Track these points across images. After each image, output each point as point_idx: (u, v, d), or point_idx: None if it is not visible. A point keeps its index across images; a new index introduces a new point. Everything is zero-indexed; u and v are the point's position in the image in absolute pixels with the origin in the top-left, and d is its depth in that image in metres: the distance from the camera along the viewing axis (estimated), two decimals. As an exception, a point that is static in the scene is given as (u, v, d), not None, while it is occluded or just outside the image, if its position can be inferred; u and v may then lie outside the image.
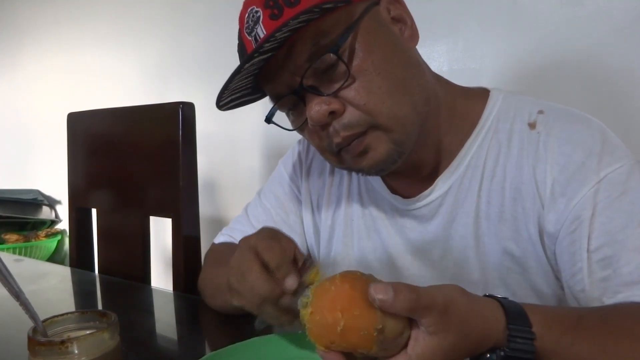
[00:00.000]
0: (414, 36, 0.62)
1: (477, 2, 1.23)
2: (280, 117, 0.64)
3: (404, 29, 0.61)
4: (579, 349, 0.45)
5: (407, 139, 0.59)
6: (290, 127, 0.64)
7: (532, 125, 0.62)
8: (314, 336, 0.42)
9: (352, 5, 0.57)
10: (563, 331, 0.46)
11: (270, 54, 0.54)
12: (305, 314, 0.43)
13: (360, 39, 0.56)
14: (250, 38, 0.59)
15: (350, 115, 0.56)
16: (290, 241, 0.54)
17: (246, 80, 0.59)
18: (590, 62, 1.10)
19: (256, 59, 0.54)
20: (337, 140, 0.58)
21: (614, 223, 0.54)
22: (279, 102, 0.61)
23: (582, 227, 0.55)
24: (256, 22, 0.57)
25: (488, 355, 0.44)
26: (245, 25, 0.59)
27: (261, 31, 0.57)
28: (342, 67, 0.55)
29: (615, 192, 0.55)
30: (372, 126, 0.57)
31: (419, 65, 0.62)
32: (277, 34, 0.51)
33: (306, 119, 0.59)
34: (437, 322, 0.41)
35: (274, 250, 0.50)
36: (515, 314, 0.45)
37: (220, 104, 0.61)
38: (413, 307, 0.39)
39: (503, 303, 0.46)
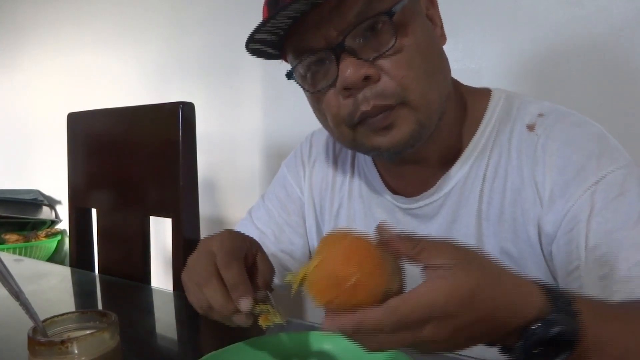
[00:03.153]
0: (443, 37, 0.64)
1: (477, 2, 1.23)
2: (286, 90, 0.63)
3: (435, 29, 0.63)
4: (614, 328, 0.43)
5: (429, 123, 0.59)
6: (308, 89, 0.61)
7: (530, 128, 0.62)
8: (316, 289, 0.39)
9: None
10: (597, 305, 0.45)
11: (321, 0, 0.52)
12: (310, 265, 0.39)
13: (410, 16, 0.57)
14: None
15: (385, 84, 0.55)
16: (251, 252, 0.56)
17: (284, 22, 0.55)
18: (590, 62, 1.10)
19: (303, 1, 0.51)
20: (365, 108, 0.56)
21: (612, 223, 0.54)
22: (308, 57, 0.58)
23: (580, 226, 0.55)
24: None
25: (537, 325, 0.39)
26: None
27: None
28: (388, 34, 0.55)
29: (613, 192, 0.55)
30: (403, 102, 0.56)
31: (447, 62, 0.63)
32: None
33: (331, 83, 0.57)
34: (453, 257, 0.38)
35: (232, 269, 0.52)
36: (543, 281, 0.42)
37: (253, 40, 0.58)
38: (417, 249, 0.39)
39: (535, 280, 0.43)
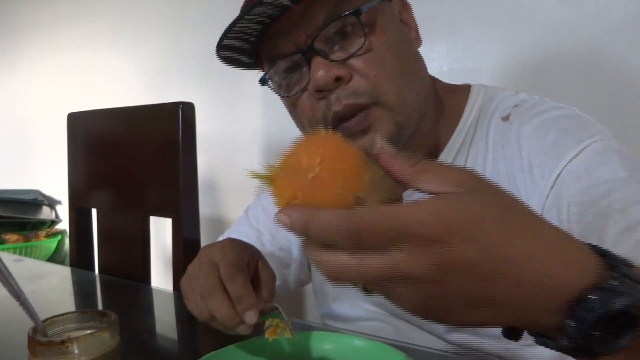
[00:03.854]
0: (418, 40, 0.63)
1: (477, 2, 1.22)
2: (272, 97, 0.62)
3: (411, 32, 0.62)
4: None
5: (408, 123, 0.58)
6: (283, 94, 0.61)
7: (505, 119, 0.62)
8: (278, 188, 0.32)
9: None
10: None
11: (288, 4, 0.52)
12: (277, 162, 0.34)
13: (379, 17, 0.56)
14: None
15: (357, 83, 0.55)
16: (253, 261, 0.56)
17: (254, 26, 0.56)
18: (590, 62, 1.10)
19: (269, 3, 0.51)
20: (336, 108, 0.55)
21: (595, 192, 0.52)
22: (278, 64, 0.58)
23: (562, 202, 0.54)
24: None
25: (593, 295, 0.28)
26: None
27: None
28: (358, 34, 0.54)
29: (594, 164, 0.54)
30: (377, 102, 0.55)
31: (423, 63, 0.63)
32: None
33: (304, 86, 0.57)
34: (464, 184, 0.29)
35: (237, 282, 0.52)
36: (613, 253, 0.31)
37: (222, 44, 0.58)
38: (418, 167, 0.31)
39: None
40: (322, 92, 0.55)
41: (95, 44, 2.27)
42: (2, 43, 2.79)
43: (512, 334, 0.33)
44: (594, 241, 0.35)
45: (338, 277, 0.29)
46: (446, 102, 0.66)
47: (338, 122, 0.56)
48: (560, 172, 0.55)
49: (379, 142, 0.33)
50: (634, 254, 0.45)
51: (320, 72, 0.54)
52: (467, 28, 1.24)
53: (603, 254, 0.31)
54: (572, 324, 0.29)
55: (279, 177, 0.33)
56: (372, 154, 0.32)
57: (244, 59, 0.62)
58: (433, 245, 0.26)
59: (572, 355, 0.30)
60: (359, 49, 0.54)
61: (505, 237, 0.28)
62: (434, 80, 0.68)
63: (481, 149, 0.63)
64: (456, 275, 0.27)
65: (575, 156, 0.55)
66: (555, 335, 0.30)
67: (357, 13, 0.54)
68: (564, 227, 0.50)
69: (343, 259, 0.28)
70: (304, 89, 0.57)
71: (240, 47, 0.59)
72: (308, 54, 0.55)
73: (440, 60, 1.28)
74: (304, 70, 0.57)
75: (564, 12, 1.12)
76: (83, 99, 2.32)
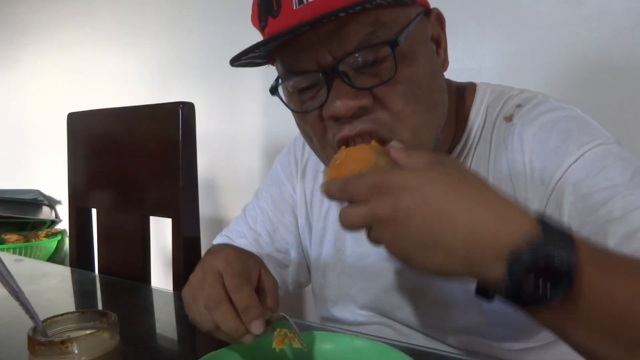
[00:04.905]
0: (445, 62, 0.60)
1: (477, 2, 1.23)
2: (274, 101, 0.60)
3: (439, 52, 0.59)
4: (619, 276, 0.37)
5: None
6: (294, 108, 0.59)
7: (508, 119, 0.61)
8: (327, 173, 0.50)
9: (410, 6, 0.54)
10: (607, 256, 0.39)
11: (307, 28, 0.49)
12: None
13: (412, 44, 0.53)
14: None
15: (378, 113, 0.52)
16: (256, 271, 0.55)
17: (270, 45, 0.53)
18: (590, 62, 1.10)
19: (304, 29, 0.48)
20: (349, 133, 0.53)
21: (595, 199, 0.52)
22: (297, 77, 0.55)
23: (563, 207, 0.54)
24: None
25: (524, 248, 0.34)
26: None
27: None
28: (389, 64, 0.51)
29: (594, 169, 0.53)
30: (395, 137, 0.53)
31: (446, 93, 0.60)
32: (341, 14, 0.47)
33: (317, 106, 0.55)
34: (422, 161, 0.43)
35: (242, 292, 0.51)
36: (553, 220, 0.37)
37: (237, 63, 0.56)
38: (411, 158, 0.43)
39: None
40: (337, 120, 0.53)
41: (95, 44, 2.27)
42: (2, 42, 2.79)
43: (483, 294, 0.40)
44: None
45: (345, 221, 0.42)
46: (456, 105, 0.66)
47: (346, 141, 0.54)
48: (561, 177, 0.55)
49: (394, 143, 0.47)
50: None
51: (341, 101, 0.51)
52: (467, 28, 1.24)
53: (543, 219, 0.36)
54: (506, 274, 0.34)
55: (329, 167, 0.50)
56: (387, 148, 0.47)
57: (257, 60, 0.59)
58: (392, 194, 0.38)
59: (516, 306, 0.36)
60: (388, 80, 0.51)
61: (446, 191, 0.37)
62: (448, 85, 0.66)
63: (485, 150, 0.62)
64: (408, 218, 0.37)
65: (576, 161, 0.54)
66: (499, 287, 0.36)
67: (394, 44, 0.50)
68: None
69: (345, 209, 0.42)
70: (319, 108, 0.55)
71: (257, 55, 0.56)
72: (330, 75, 0.52)
73: (440, 60, 1.27)
74: (321, 90, 0.54)
75: (564, 12, 1.12)
76: (83, 98, 2.32)
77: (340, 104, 0.51)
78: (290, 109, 0.59)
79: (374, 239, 0.41)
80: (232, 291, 0.51)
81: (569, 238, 0.35)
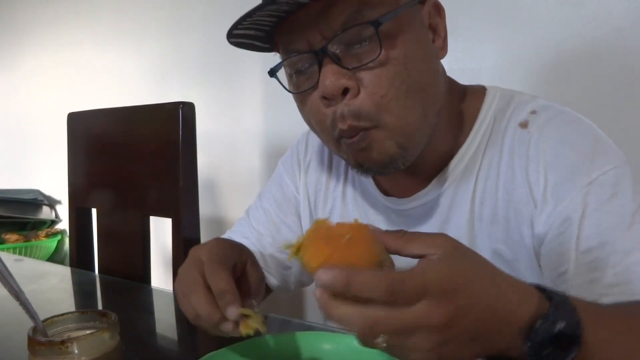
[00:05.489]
0: (444, 49, 0.61)
1: (477, 2, 1.23)
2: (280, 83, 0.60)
3: (437, 40, 0.60)
4: (621, 339, 0.42)
5: (411, 144, 0.57)
6: (292, 90, 0.60)
7: (523, 125, 0.61)
8: (312, 252, 0.38)
9: None
10: (598, 311, 0.44)
11: (306, 1, 0.50)
12: (305, 234, 0.40)
13: (401, 26, 0.54)
14: None
15: (362, 101, 0.53)
16: (241, 261, 0.55)
17: (268, 19, 0.54)
18: (590, 62, 1.10)
19: (284, 2, 0.49)
20: (342, 126, 0.55)
21: (604, 225, 0.53)
22: (291, 58, 0.57)
23: (572, 228, 0.55)
24: None
25: (539, 322, 0.37)
26: None
27: None
28: (374, 45, 0.52)
29: (606, 194, 0.54)
30: (377, 125, 0.55)
31: (441, 77, 0.60)
32: None
33: (312, 86, 0.56)
34: (446, 246, 0.38)
35: (218, 277, 0.51)
36: (543, 285, 0.41)
37: (233, 33, 0.56)
38: (405, 238, 0.39)
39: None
40: (328, 100, 0.54)
41: (95, 44, 2.27)
42: (2, 42, 2.79)
43: None
44: (598, 273, 0.51)
45: (370, 327, 0.34)
46: (459, 106, 0.66)
47: (341, 136, 0.56)
48: (573, 199, 0.55)
49: (370, 226, 0.40)
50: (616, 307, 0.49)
51: (329, 79, 0.52)
52: (467, 28, 1.24)
53: (543, 289, 0.40)
54: (528, 344, 0.37)
55: (310, 244, 0.39)
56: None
57: (258, 43, 0.60)
58: (445, 299, 0.34)
59: None
60: (372, 60, 0.52)
61: (486, 289, 0.37)
62: (451, 84, 0.66)
63: (496, 154, 0.62)
64: (462, 319, 0.35)
65: (590, 183, 0.55)
66: (521, 357, 0.38)
67: (376, 24, 0.51)
68: (571, 252, 0.54)
69: (376, 312, 0.34)
70: (314, 88, 0.56)
71: (254, 35, 0.57)
72: (320, 55, 0.53)
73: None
74: (315, 69, 0.55)
75: (564, 12, 1.12)
76: (83, 98, 2.32)
77: (329, 82, 0.52)
78: (288, 91, 0.60)
79: (401, 347, 0.36)
80: (209, 276, 0.52)
81: (569, 303, 0.39)
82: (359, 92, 0.54)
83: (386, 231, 0.41)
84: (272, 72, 0.60)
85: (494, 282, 0.38)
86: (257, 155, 1.75)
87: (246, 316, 0.50)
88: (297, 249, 0.40)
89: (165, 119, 1.04)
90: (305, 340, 0.57)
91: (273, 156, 1.70)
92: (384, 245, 0.40)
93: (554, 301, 0.39)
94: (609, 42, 1.08)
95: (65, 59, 2.43)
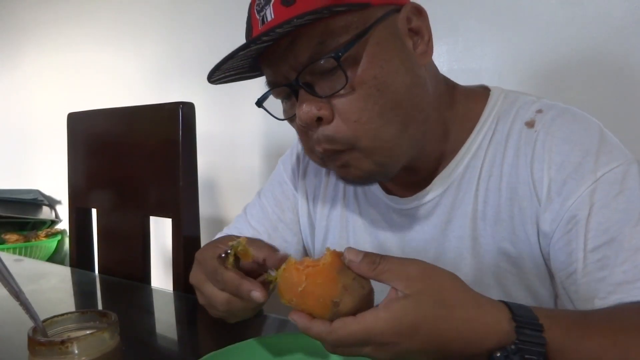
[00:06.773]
0: (428, 53, 0.60)
1: (477, 2, 1.23)
2: (273, 103, 0.63)
3: (419, 44, 0.59)
4: (590, 343, 0.44)
5: (390, 161, 0.58)
6: (281, 116, 0.63)
7: (529, 124, 0.61)
8: (280, 290, 0.47)
9: (369, 9, 0.54)
10: (570, 325, 0.45)
11: (270, 42, 0.52)
12: (280, 270, 0.47)
13: (369, 48, 0.54)
14: (258, 17, 0.56)
15: (336, 128, 0.55)
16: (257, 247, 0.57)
17: (243, 62, 0.57)
18: (590, 62, 1.10)
19: (253, 48, 0.52)
20: (318, 149, 0.58)
21: (611, 222, 0.53)
22: (273, 90, 0.60)
23: (579, 226, 0.55)
24: (267, 1, 0.55)
25: (498, 354, 0.42)
26: (257, 2, 0.57)
27: (270, 14, 0.54)
28: (341, 74, 0.53)
29: (612, 191, 0.54)
30: (353, 148, 0.56)
31: (423, 85, 0.59)
32: (277, 30, 0.49)
33: (293, 114, 0.58)
34: (409, 285, 0.42)
35: (227, 275, 0.54)
36: (518, 307, 0.44)
37: (213, 79, 0.59)
38: (378, 270, 0.43)
39: (504, 301, 0.45)
40: (305, 127, 0.57)
41: (95, 44, 2.27)
42: (2, 42, 2.79)
43: None
44: (607, 271, 0.52)
45: (332, 352, 0.45)
46: (460, 107, 0.66)
47: (321, 156, 0.59)
48: (579, 197, 0.55)
49: (346, 254, 0.45)
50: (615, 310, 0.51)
51: (304, 109, 0.54)
52: (467, 28, 1.24)
53: (517, 319, 0.43)
54: (501, 354, 0.42)
55: (280, 283, 0.47)
56: (346, 261, 0.45)
57: (246, 75, 0.63)
58: (387, 346, 0.42)
59: None
60: (343, 87, 0.53)
61: (437, 331, 0.42)
62: (454, 87, 0.66)
63: (499, 153, 0.62)
64: (406, 355, 0.42)
65: (596, 180, 0.55)
66: None
67: (337, 55, 0.52)
68: (579, 251, 0.54)
69: (328, 347, 0.45)
70: (295, 117, 0.58)
71: (237, 73, 0.61)
72: (295, 87, 0.55)
73: (440, 60, 1.27)
74: (294, 98, 0.57)
75: (564, 12, 1.12)
76: (83, 98, 2.32)
77: (302, 112, 0.54)
78: (277, 118, 0.62)
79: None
80: (219, 281, 0.55)
81: (541, 335, 0.43)
82: (332, 119, 0.55)
83: (363, 256, 0.44)
84: (259, 103, 0.62)
85: (450, 320, 0.42)
86: (257, 155, 1.75)
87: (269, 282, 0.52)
88: (275, 279, 0.48)
89: (165, 119, 1.04)
90: (305, 340, 0.57)
91: (273, 156, 1.70)
92: (359, 275, 0.45)
93: (522, 334, 0.42)
94: (609, 42, 1.08)
95: (65, 59, 2.43)
